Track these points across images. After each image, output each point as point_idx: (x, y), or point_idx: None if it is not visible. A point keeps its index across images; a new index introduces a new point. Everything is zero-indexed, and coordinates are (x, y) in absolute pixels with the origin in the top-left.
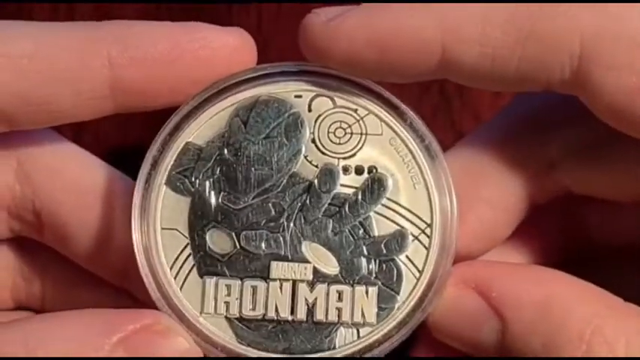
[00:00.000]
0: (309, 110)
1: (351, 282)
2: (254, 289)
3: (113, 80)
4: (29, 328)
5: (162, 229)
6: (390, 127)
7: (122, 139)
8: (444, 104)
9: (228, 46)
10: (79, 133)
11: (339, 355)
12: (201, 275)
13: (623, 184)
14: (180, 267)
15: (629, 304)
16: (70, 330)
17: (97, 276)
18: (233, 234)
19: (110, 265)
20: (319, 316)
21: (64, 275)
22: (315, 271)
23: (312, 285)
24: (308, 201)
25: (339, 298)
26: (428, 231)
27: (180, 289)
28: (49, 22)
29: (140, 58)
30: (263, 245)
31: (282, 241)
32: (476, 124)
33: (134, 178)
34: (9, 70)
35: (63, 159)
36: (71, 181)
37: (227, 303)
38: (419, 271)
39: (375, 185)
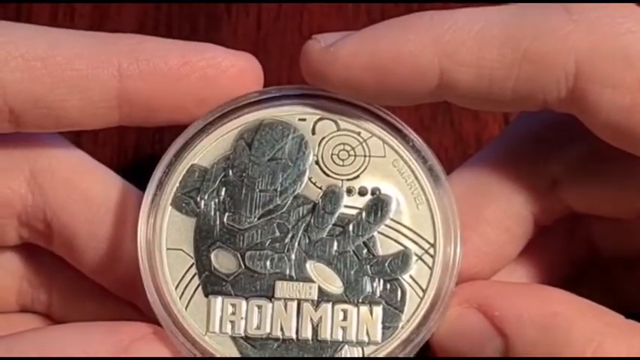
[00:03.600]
0: (313, 133)
1: (356, 301)
2: (259, 308)
3: (121, 91)
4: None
5: (168, 249)
6: (393, 149)
7: (120, 141)
8: (444, 104)
9: (235, 67)
10: (78, 133)
11: None
12: (206, 295)
13: (623, 200)
14: (186, 286)
15: (630, 321)
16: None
17: (103, 286)
18: (238, 254)
19: (117, 278)
20: (324, 335)
21: (71, 283)
22: (320, 290)
23: (316, 304)
24: (312, 221)
25: (344, 317)
26: (431, 251)
27: (186, 308)
28: (64, 28)
29: (149, 72)
30: (268, 265)
31: (286, 261)
32: (475, 125)
33: (131, 180)
34: (22, 70)
35: (76, 170)
36: (84, 193)
37: (232, 322)
38: (422, 290)
39: (378, 206)
